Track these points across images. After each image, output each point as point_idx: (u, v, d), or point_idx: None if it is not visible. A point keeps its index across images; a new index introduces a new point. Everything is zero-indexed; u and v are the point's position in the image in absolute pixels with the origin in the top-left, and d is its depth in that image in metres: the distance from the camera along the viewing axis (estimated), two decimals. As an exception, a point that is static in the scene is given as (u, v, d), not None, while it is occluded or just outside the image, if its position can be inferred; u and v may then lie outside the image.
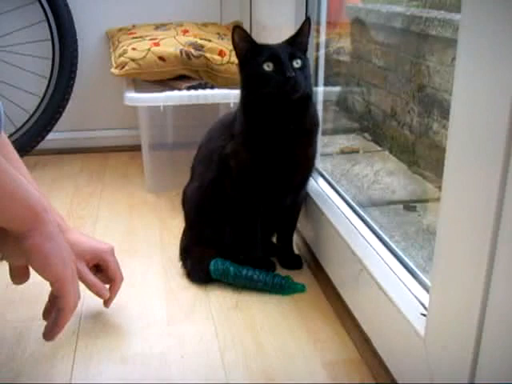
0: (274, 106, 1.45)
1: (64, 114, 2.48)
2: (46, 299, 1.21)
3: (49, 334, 0.90)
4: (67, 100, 2.51)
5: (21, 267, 0.86)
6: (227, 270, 1.57)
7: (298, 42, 1.48)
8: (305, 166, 1.58)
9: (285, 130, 1.47)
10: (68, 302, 0.87)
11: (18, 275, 0.90)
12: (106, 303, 1.16)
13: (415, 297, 1.13)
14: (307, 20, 1.48)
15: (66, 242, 0.88)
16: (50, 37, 2.50)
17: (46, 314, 0.92)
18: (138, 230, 1.97)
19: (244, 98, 1.51)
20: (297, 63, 1.43)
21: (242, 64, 1.50)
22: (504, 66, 0.75)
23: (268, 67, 1.42)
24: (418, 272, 1.20)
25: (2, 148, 1.02)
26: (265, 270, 1.58)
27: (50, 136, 2.46)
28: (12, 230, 0.79)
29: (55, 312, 0.88)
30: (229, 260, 1.59)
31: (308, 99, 1.49)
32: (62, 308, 0.87)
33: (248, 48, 1.46)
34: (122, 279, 1.21)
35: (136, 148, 2.50)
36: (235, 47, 1.47)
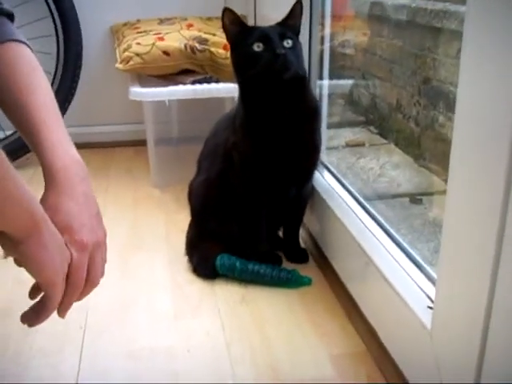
0: (267, 88, 1.44)
1: (69, 110, 2.48)
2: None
3: (28, 321, 0.91)
4: (72, 95, 2.51)
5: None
6: (233, 265, 1.57)
7: (289, 24, 1.47)
8: (306, 155, 1.56)
9: (281, 115, 1.46)
10: (53, 304, 0.88)
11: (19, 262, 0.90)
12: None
13: (421, 290, 1.13)
14: (298, 2, 1.48)
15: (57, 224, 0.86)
16: (54, 32, 2.50)
17: (33, 293, 0.92)
18: (143, 225, 1.97)
19: (238, 82, 1.51)
20: (287, 43, 1.42)
21: (233, 47, 1.50)
22: (509, 57, 0.75)
23: (258, 47, 1.41)
24: (425, 265, 1.20)
25: (17, 59, 1.00)
26: (271, 264, 1.58)
27: (56, 131, 2.44)
28: (9, 234, 0.79)
29: (40, 307, 0.89)
30: (235, 255, 1.59)
31: (302, 81, 1.48)
32: (47, 307, 0.88)
33: (238, 30, 1.46)
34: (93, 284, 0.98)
35: (141, 143, 2.49)
36: (225, 30, 1.48)
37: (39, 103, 0.96)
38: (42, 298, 0.89)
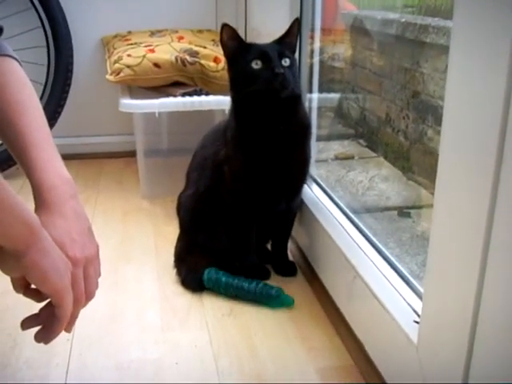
0: (263, 105, 1.45)
1: (59, 121, 2.47)
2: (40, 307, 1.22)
3: (44, 338, 0.90)
4: (62, 106, 2.51)
5: (21, 278, 0.86)
6: (219, 279, 1.57)
7: (286, 42, 1.48)
8: (297, 170, 1.58)
9: (275, 132, 1.47)
10: (65, 311, 0.87)
11: (20, 285, 0.90)
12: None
13: (408, 304, 1.13)
14: (296, 20, 1.50)
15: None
16: (45, 43, 2.50)
17: (26, 323, 0.92)
18: (132, 237, 1.97)
19: (233, 98, 1.52)
20: (285, 62, 1.43)
21: (231, 63, 1.50)
22: (495, 72, 0.76)
23: (256, 65, 1.42)
24: (412, 279, 1.20)
25: (8, 75, 1.00)
26: (258, 280, 1.58)
27: (46, 142, 2.43)
28: (9, 248, 0.79)
29: (51, 320, 0.88)
30: (223, 268, 1.59)
31: (297, 99, 1.49)
32: (60, 317, 0.88)
33: (236, 46, 1.47)
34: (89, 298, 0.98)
35: (131, 154, 2.50)
36: (223, 46, 1.48)
37: (29, 122, 0.96)
38: (49, 310, 0.89)
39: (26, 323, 0.92)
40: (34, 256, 0.80)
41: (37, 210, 0.91)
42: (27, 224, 0.79)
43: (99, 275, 0.97)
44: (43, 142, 0.95)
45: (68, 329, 0.92)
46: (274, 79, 1.40)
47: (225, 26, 1.45)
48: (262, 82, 1.41)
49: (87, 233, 0.95)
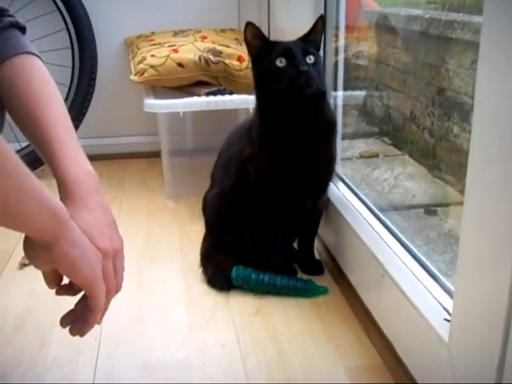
0: (287, 103, 1.44)
1: (84, 121, 2.50)
2: (67, 306, 1.22)
3: (79, 330, 0.91)
4: (87, 107, 2.53)
5: (53, 272, 0.87)
6: (249, 276, 1.56)
7: (311, 40, 1.47)
8: (323, 168, 1.57)
9: (300, 129, 1.46)
10: (99, 302, 0.88)
11: (53, 280, 0.90)
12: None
13: (438, 302, 1.12)
14: (320, 18, 1.49)
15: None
16: (69, 45, 2.52)
17: (65, 320, 0.92)
18: (158, 237, 1.97)
19: (258, 97, 1.51)
20: (309, 59, 1.42)
21: (255, 61, 1.50)
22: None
23: (281, 63, 1.41)
24: (441, 277, 1.19)
25: (31, 72, 1.01)
26: (286, 275, 1.58)
27: (71, 143, 2.45)
28: (39, 240, 0.79)
29: (85, 312, 0.89)
30: (250, 267, 1.58)
31: (322, 96, 1.48)
32: (93, 308, 0.88)
33: (260, 44, 1.46)
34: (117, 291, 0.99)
35: (155, 154, 2.51)
36: (247, 44, 1.47)
37: (53, 118, 0.97)
38: (83, 303, 0.89)
39: (65, 320, 0.92)
40: (64, 246, 0.80)
41: (62, 202, 0.91)
42: (55, 213, 0.79)
43: (124, 269, 0.97)
44: (67, 137, 0.96)
45: (99, 320, 0.92)
46: (299, 77, 1.39)
47: (248, 25, 1.44)
48: (287, 79, 1.40)
49: (113, 226, 0.96)
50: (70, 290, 0.92)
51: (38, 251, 0.81)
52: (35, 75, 1.01)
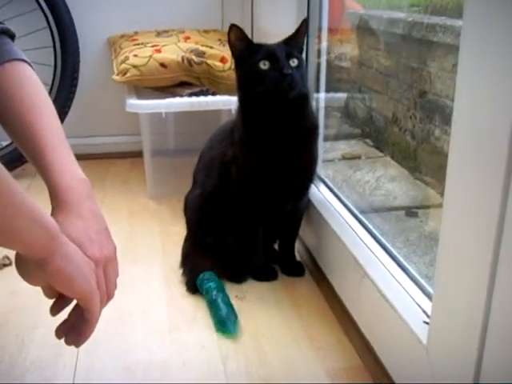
0: (270, 106, 1.44)
1: (66, 121, 2.47)
2: (48, 306, 1.21)
3: (75, 342, 0.90)
4: (69, 107, 2.51)
5: (49, 286, 0.86)
6: (202, 285, 1.56)
7: (294, 43, 1.48)
8: (305, 169, 1.57)
9: (283, 131, 1.46)
10: (95, 314, 0.88)
11: (51, 292, 0.90)
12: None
13: (417, 304, 1.13)
14: (304, 21, 1.49)
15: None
16: (51, 44, 2.50)
17: (60, 331, 0.92)
18: (139, 237, 1.97)
19: (240, 99, 1.51)
20: (293, 62, 1.43)
21: (238, 63, 1.49)
22: (506, 71, 0.75)
23: (264, 65, 1.41)
24: (420, 279, 1.20)
25: (23, 79, 1.01)
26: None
27: (52, 143, 2.43)
28: (32, 256, 0.79)
29: (81, 324, 0.89)
30: (230, 270, 1.60)
31: (304, 99, 1.49)
32: (89, 320, 0.88)
33: (244, 47, 1.46)
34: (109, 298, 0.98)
35: (137, 154, 2.50)
36: (231, 46, 1.47)
37: (45, 125, 0.96)
38: (78, 312, 0.89)
39: (60, 331, 0.92)
40: (59, 262, 0.80)
41: (54, 210, 0.91)
42: (47, 229, 0.78)
43: (117, 275, 0.97)
44: (59, 145, 0.96)
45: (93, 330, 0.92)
46: (282, 80, 1.39)
47: (233, 27, 1.44)
48: (270, 82, 1.40)
49: (105, 232, 0.95)
50: (64, 304, 0.92)
51: (31, 268, 0.81)
52: (28, 82, 1.00)
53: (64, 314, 0.91)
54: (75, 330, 0.90)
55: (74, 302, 0.90)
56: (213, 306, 1.50)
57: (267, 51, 1.43)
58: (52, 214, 0.89)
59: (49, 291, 0.89)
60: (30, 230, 0.76)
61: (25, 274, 0.83)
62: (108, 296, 0.94)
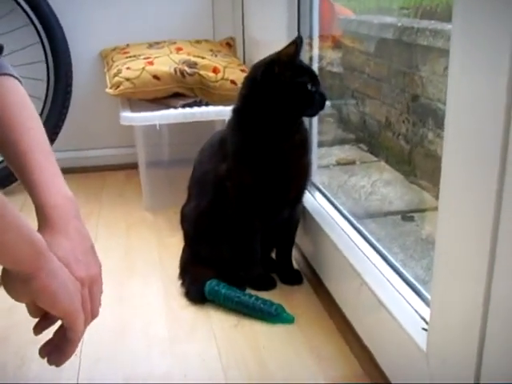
0: (292, 122, 1.51)
1: (60, 135, 2.48)
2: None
3: (56, 361, 0.90)
4: (63, 121, 2.51)
5: (34, 303, 0.86)
6: (219, 292, 1.56)
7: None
8: (301, 176, 1.59)
9: (282, 143, 1.49)
10: (77, 333, 0.87)
11: (36, 310, 0.90)
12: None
13: (416, 311, 1.13)
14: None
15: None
16: (44, 58, 2.50)
17: (44, 350, 0.92)
18: (136, 249, 1.96)
19: (264, 114, 1.48)
20: None
21: (281, 79, 1.47)
22: (496, 73, 0.76)
23: (312, 88, 1.47)
24: (418, 286, 1.20)
25: (10, 95, 1.00)
26: (257, 296, 1.55)
27: (47, 157, 2.43)
28: (18, 271, 0.79)
29: (63, 342, 0.88)
30: (228, 279, 1.59)
31: None
32: (72, 339, 0.88)
33: (292, 65, 1.47)
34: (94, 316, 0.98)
35: (133, 166, 2.50)
36: (285, 59, 1.46)
37: (31, 142, 0.96)
38: (62, 331, 0.89)
39: (43, 350, 0.92)
40: (44, 279, 0.80)
41: (40, 229, 0.91)
42: (34, 245, 0.78)
43: (101, 293, 0.97)
44: (45, 162, 0.96)
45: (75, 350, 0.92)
46: (324, 102, 1.49)
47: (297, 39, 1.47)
48: (318, 104, 1.49)
49: (90, 252, 0.95)
50: (47, 324, 0.92)
51: (16, 284, 0.81)
52: (14, 98, 1.00)
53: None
54: (58, 349, 0.90)
55: (59, 322, 0.90)
56: (255, 306, 1.52)
57: (311, 74, 1.50)
58: (39, 232, 0.89)
59: (33, 309, 0.89)
60: (17, 244, 0.76)
61: (11, 289, 0.83)
62: (92, 315, 0.94)
